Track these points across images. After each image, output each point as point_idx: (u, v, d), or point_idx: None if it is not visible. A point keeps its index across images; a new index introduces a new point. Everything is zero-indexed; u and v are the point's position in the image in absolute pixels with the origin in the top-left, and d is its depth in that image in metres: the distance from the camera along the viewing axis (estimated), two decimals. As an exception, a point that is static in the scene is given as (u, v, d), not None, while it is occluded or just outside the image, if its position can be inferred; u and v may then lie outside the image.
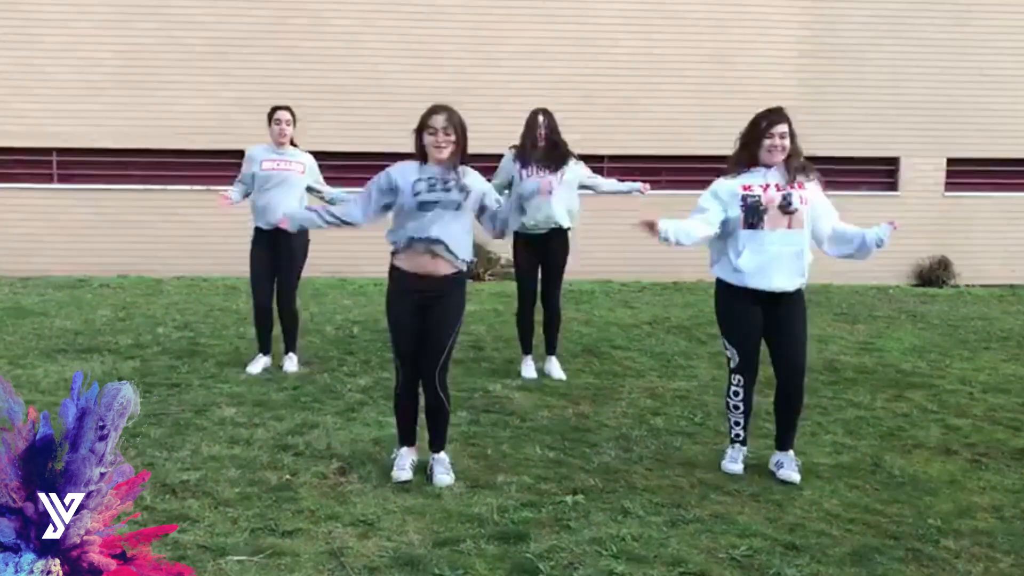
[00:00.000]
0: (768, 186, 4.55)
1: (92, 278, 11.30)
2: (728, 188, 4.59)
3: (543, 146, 6.42)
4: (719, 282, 4.73)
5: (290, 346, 6.78)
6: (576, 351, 7.57)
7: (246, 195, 6.63)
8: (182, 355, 7.10)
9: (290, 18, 11.97)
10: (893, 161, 12.98)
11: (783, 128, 4.52)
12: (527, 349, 6.80)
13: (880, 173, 13.06)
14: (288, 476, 4.51)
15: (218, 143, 11.67)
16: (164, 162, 12.03)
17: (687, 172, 11.97)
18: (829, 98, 12.51)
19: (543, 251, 6.61)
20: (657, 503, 4.28)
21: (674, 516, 4.13)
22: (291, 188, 6.50)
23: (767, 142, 4.52)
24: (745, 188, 4.55)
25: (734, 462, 4.77)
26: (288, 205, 6.25)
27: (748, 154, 4.60)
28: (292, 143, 6.64)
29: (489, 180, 4.99)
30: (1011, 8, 12.88)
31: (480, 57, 12.09)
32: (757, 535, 3.95)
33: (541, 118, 6.46)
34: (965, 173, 13.06)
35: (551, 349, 6.79)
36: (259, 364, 6.68)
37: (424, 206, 4.34)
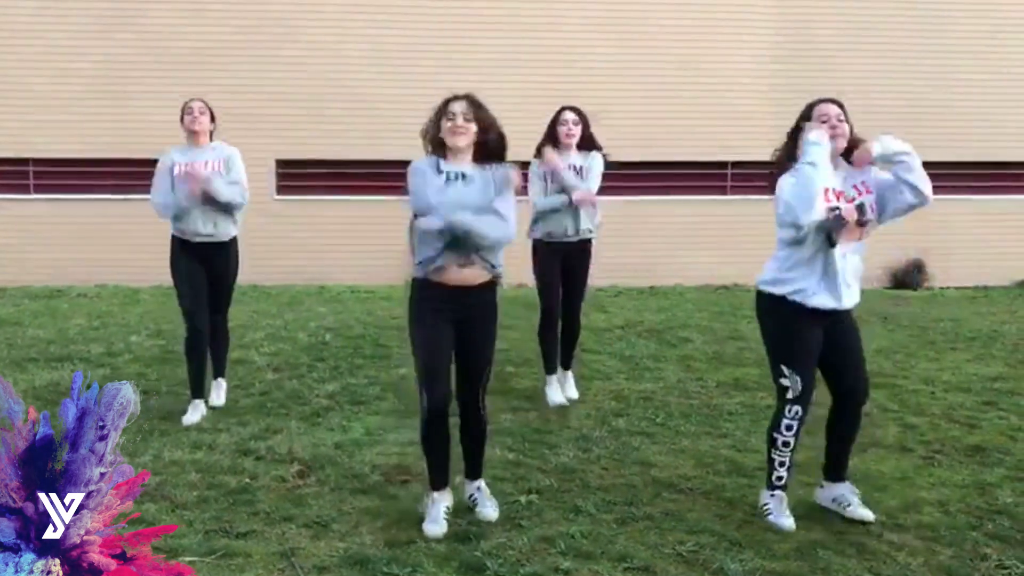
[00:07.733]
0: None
1: (70, 288, 11.32)
2: None
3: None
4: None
5: (219, 371, 6.05)
6: (546, 355, 7.62)
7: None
8: (152, 363, 7.14)
9: (266, 27, 12.05)
10: (866, 165, 13.13)
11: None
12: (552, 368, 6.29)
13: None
14: (247, 480, 4.56)
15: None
16: (141, 171, 12.04)
17: (660, 179, 12.07)
18: (800, 103, 12.59)
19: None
20: (609, 501, 4.35)
21: (625, 514, 4.20)
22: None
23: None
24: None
25: (787, 516, 4.14)
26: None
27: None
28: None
29: None
30: (979, 14, 13.04)
31: (451, 65, 12.16)
32: (705, 531, 4.02)
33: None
34: (938, 176, 13.17)
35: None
36: (198, 412, 5.67)
37: None
